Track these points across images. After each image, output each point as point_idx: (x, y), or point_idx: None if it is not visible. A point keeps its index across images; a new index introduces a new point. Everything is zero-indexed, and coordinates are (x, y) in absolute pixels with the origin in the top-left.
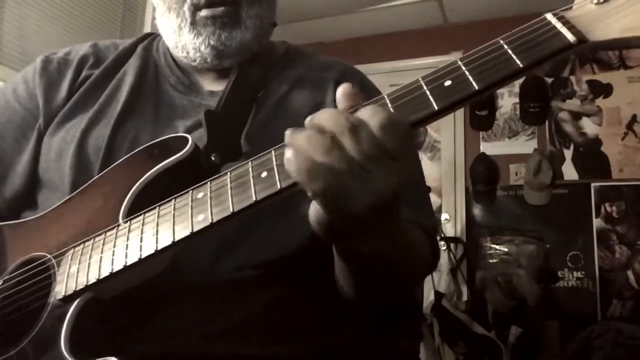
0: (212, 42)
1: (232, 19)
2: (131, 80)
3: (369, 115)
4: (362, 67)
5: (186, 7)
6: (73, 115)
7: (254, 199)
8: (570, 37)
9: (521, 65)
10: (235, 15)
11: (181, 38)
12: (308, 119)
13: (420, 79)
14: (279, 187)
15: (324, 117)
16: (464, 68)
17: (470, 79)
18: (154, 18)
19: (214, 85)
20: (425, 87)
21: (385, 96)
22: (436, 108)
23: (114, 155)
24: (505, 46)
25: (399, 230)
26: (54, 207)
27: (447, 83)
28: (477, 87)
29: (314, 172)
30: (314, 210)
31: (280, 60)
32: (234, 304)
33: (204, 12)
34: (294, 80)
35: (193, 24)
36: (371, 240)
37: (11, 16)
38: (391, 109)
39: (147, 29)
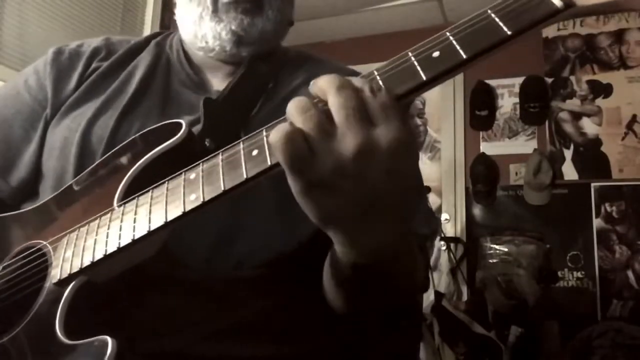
0: (233, 28)
1: (254, 6)
2: (141, 74)
3: (361, 82)
4: (362, 67)
5: None
6: (79, 105)
7: (245, 176)
8: (557, 2)
9: (509, 33)
10: (258, 3)
11: (201, 27)
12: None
13: (409, 51)
14: (269, 163)
15: (321, 80)
16: (451, 38)
17: (458, 48)
18: (162, 19)
19: (222, 85)
20: (413, 59)
21: (375, 70)
22: (424, 78)
23: (116, 145)
24: (493, 15)
25: (401, 233)
26: (52, 196)
27: (436, 54)
28: (464, 56)
29: (287, 134)
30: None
31: (291, 60)
32: (231, 303)
33: None
34: (303, 81)
35: (215, 11)
36: (371, 233)
37: (11, 16)
38: (379, 81)
39: (147, 29)
